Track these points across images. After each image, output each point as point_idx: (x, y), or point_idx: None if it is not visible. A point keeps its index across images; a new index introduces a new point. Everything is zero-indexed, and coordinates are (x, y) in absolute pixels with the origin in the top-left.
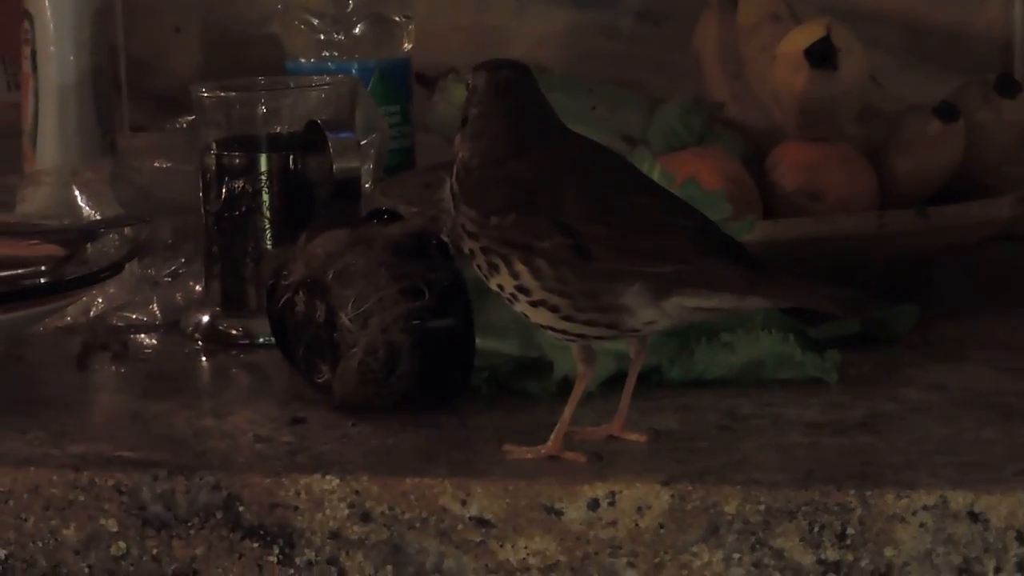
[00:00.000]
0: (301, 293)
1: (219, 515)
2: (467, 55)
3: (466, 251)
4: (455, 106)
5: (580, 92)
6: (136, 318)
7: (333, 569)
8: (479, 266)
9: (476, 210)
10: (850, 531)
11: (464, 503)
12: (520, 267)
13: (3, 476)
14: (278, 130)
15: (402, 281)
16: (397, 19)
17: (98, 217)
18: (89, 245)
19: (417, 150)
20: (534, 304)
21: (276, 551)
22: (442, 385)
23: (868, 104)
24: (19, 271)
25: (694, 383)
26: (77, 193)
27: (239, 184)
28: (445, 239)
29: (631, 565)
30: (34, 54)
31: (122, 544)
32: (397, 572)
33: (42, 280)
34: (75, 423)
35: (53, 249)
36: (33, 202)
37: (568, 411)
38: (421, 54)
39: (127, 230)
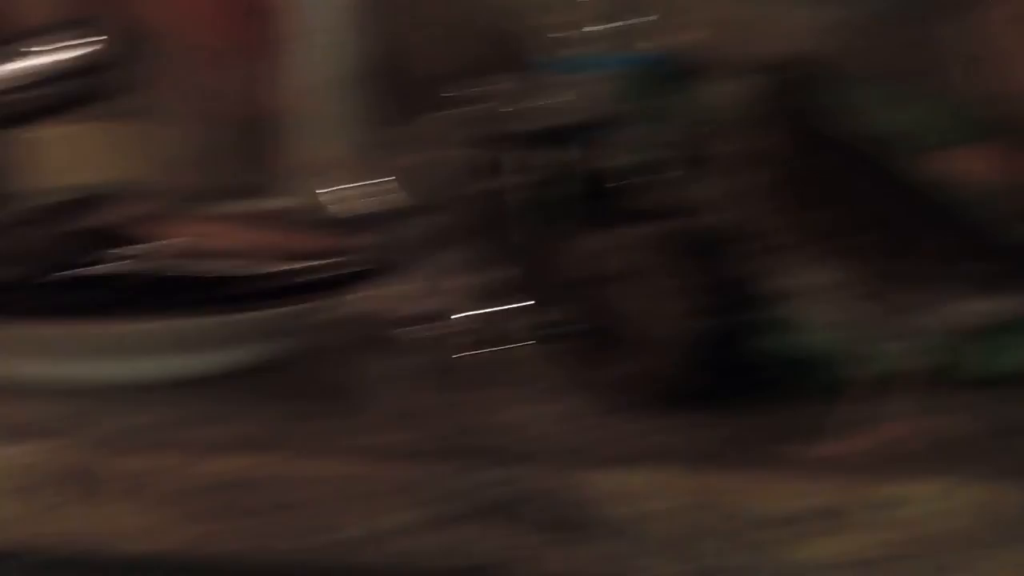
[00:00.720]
0: (592, 288)
1: (520, 508)
2: (731, 48)
3: (756, 248)
4: (719, 100)
5: (856, 88)
6: (421, 311)
7: (635, 564)
8: (771, 263)
9: (765, 208)
10: None
11: (769, 499)
12: (812, 265)
13: (305, 466)
14: (540, 126)
15: (694, 277)
16: (657, 13)
17: (384, 209)
18: (369, 236)
19: (679, 145)
20: (828, 302)
21: (578, 544)
22: (741, 380)
23: None
24: (303, 264)
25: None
26: (349, 185)
27: (511, 180)
28: (730, 235)
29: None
30: (295, 48)
31: (418, 536)
32: (697, 569)
33: (327, 273)
34: (368, 414)
35: (332, 240)
36: (310, 194)
37: (874, 407)
38: (683, 48)
39: (419, 220)
